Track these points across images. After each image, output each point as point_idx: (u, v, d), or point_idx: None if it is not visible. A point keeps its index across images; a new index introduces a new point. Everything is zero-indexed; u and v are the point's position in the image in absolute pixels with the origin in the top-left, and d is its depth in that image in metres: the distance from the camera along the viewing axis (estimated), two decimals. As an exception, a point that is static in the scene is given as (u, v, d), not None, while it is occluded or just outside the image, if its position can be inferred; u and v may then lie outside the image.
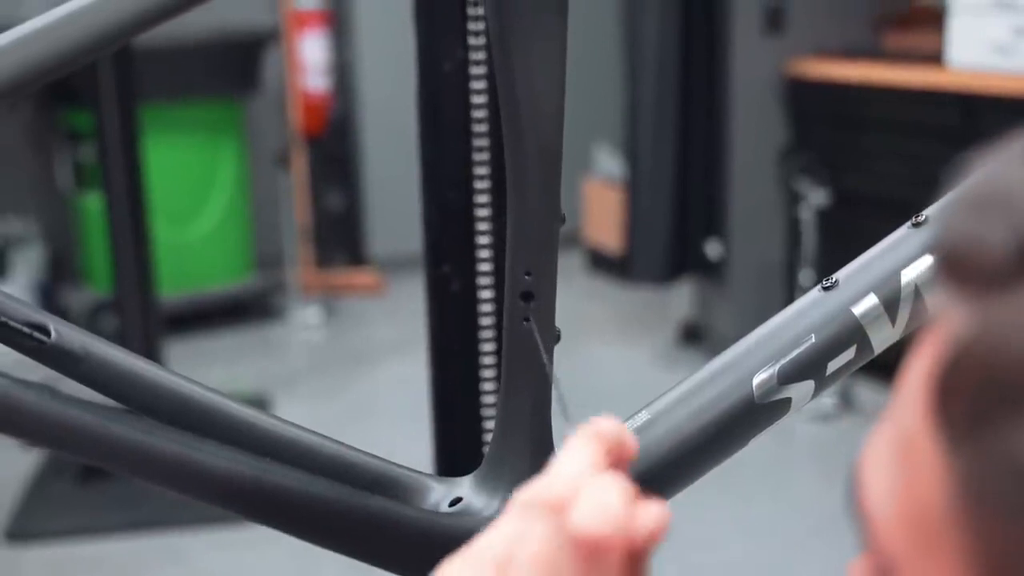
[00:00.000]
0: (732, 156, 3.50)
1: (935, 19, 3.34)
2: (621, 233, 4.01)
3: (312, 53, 4.27)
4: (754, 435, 0.76)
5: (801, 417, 3.11)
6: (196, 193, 4.08)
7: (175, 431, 0.72)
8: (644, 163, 3.61)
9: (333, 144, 4.58)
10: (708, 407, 0.75)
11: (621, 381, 3.60)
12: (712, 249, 3.59)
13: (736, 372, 0.75)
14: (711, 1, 3.45)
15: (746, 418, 0.75)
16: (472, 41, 1.01)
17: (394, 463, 0.79)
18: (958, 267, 0.35)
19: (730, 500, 2.73)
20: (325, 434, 0.78)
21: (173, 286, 3.85)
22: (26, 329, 0.69)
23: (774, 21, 3.45)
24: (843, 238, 3.27)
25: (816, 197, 3.35)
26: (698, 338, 3.78)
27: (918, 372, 0.36)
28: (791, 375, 0.74)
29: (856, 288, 0.75)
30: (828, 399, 3.17)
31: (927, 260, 0.74)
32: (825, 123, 3.51)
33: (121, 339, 2.77)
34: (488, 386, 1.06)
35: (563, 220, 0.75)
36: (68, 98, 3.83)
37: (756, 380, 0.74)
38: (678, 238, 3.63)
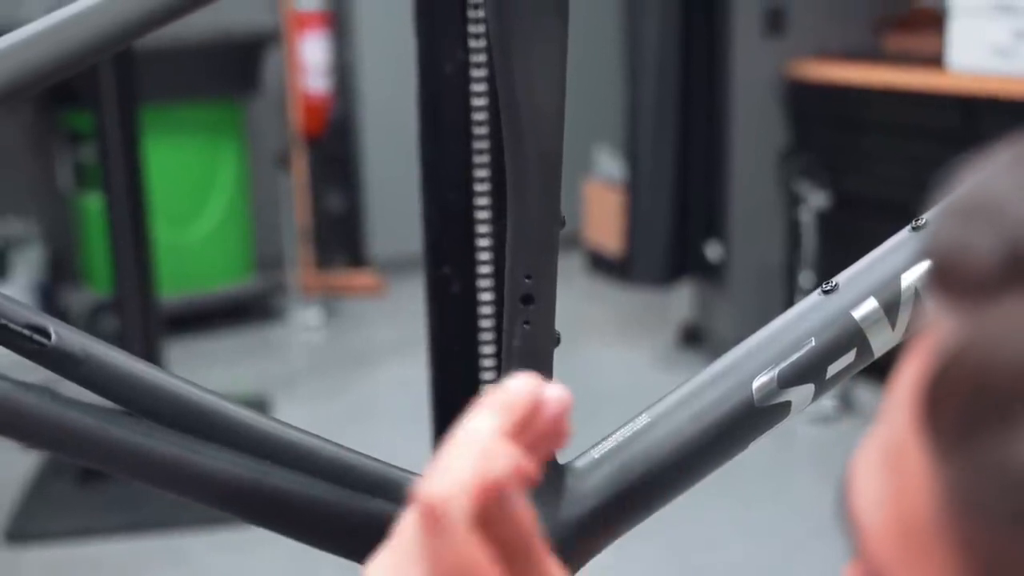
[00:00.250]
0: (732, 158, 3.50)
1: (935, 22, 3.34)
2: (621, 235, 4.01)
3: (312, 54, 4.27)
4: (754, 438, 0.76)
5: (801, 419, 3.11)
6: (196, 194, 4.08)
7: (175, 434, 0.72)
8: (644, 164, 3.61)
9: (333, 145, 4.58)
10: (708, 410, 0.75)
11: (621, 383, 3.60)
12: (712, 251, 3.59)
13: (736, 375, 0.75)
14: (711, 3, 3.45)
15: (746, 421, 0.75)
16: (473, 43, 1.01)
17: (394, 466, 0.79)
18: (946, 276, 0.35)
19: (730, 502, 2.73)
20: (325, 436, 0.78)
21: (173, 287, 3.85)
22: (26, 331, 0.69)
23: (774, 23, 3.46)
24: (843, 240, 3.28)
25: (816, 199, 3.35)
26: (698, 340, 3.78)
27: (908, 380, 0.36)
28: (791, 379, 0.74)
29: (856, 292, 0.75)
30: (828, 401, 3.17)
31: (927, 262, 0.74)
32: (825, 125, 3.51)
33: (121, 340, 2.77)
34: (488, 388, 1.05)
35: (563, 223, 0.75)
36: (69, 99, 3.83)
37: (756, 383, 0.74)
38: (678, 240, 3.63)
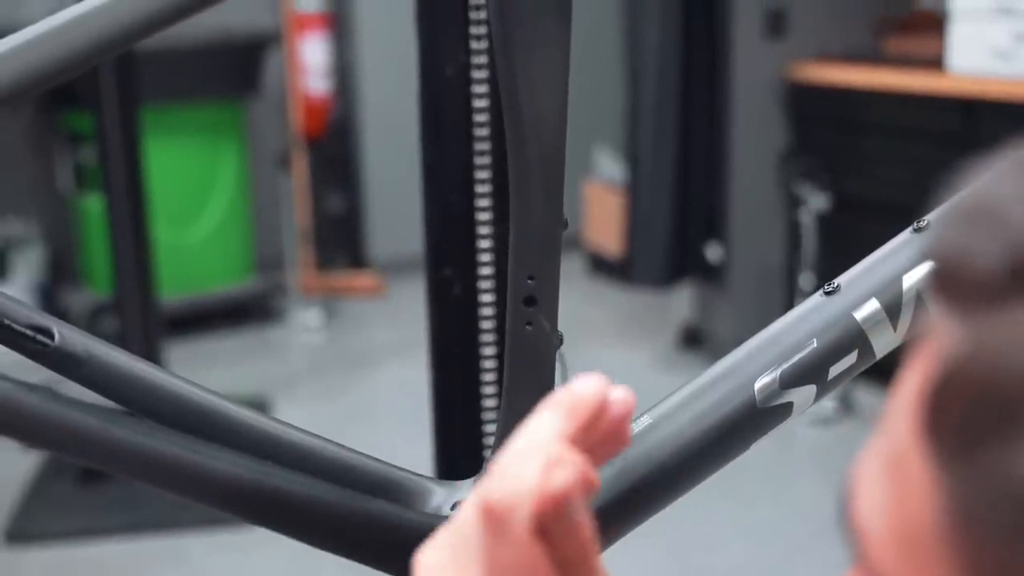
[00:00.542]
0: (733, 159, 3.50)
1: (936, 24, 3.34)
2: (621, 236, 4.01)
3: (313, 55, 4.27)
4: (756, 439, 0.76)
5: (802, 421, 3.11)
6: (196, 195, 4.08)
7: (176, 434, 0.72)
8: (645, 166, 3.61)
9: (334, 146, 4.59)
10: (710, 411, 0.75)
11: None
12: (712, 252, 3.59)
13: (738, 376, 0.75)
14: (712, 4, 3.46)
15: (748, 422, 0.75)
16: (474, 45, 1.01)
17: (395, 466, 0.79)
18: (950, 282, 0.35)
19: (731, 503, 2.73)
20: (326, 437, 0.78)
21: (173, 288, 3.85)
22: (29, 332, 0.69)
23: (775, 25, 3.46)
24: (843, 242, 3.28)
25: (816, 201, 3.35)
26: (698, 341, 3.78)
27: (910, 386, 0.36)
28: (793, 380, 0.74)
29: (858, 293, 0.75)
30: (828, 403, 3.17)
31: (929, 266, 0.74)
32: (826, 127, 3.51)
33: (121, 341, 2.77)
34: (489, 390, 1.06)
35: (566, 225, 0.75)
36: (69, 100, 3.83)
37: (758, 384, 0.74)
38: (678, 241, 3.63)
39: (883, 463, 0.37)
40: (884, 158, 3.32)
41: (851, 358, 0.74)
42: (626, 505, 0.75)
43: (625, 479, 0.74)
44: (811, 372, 0.74)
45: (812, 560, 2.52)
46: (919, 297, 0.74)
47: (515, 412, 0.78)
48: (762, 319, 0.83)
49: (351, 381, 3.72)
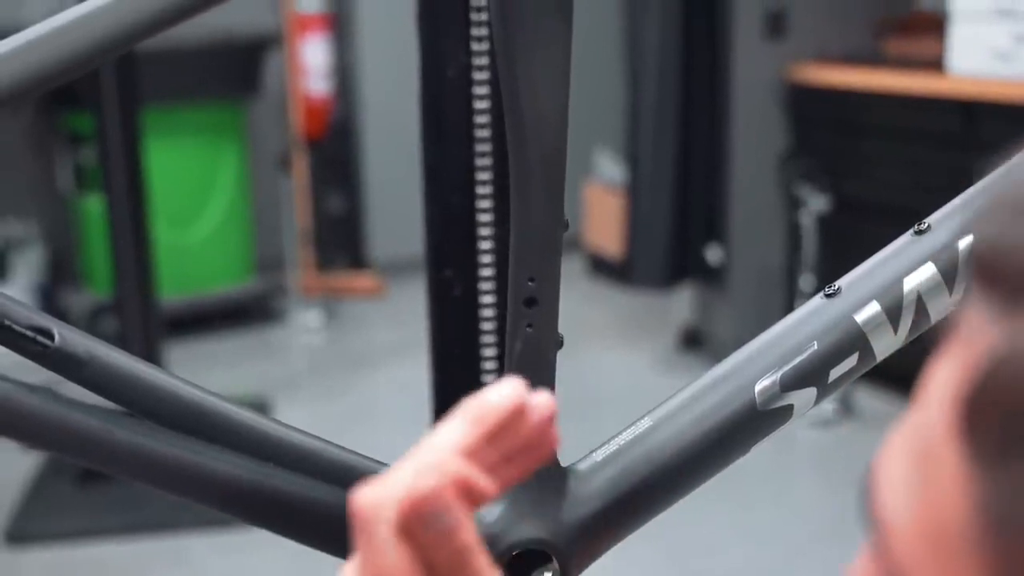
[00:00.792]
0: (733, 161, 3.50)
1: (936, 26, 3.34)
2: (622, 237, 4.01)
3: (313, 56, 4.28)
4: (756, 442, 0.76)
5: (802, 423, 3.11)
6: (197, 196, 4.08)
7: (177, 435, 0.72)
8: (645, 167, 3.61)
9: (334, 147, 4.59)
10: (710, 413, 0.75)
11: (621, 385, 3.60)
12: (712, 254, 3.59)
13: (738, 379, 0.75)
14: (712, 5, 3.46)
15: (748, 424, 0.75)
16: (475, 46, 1.01)
17: (396, 468, 0.79)
18: (993, 274, 0.33)
19: (731, 506, 2.73)
20: (326, 438, 0.78)
21: (174, 289, 3.85)
22: (30, 333, 0.69)
23: (775, 26, 3.46)
24: (843, 244, 3.28)
25: (816, 203, 3.35)
26: (698, 343, 3.78)
27: (944, 380, 0.35)
28: (793, 382, 0.74)
29: (858, 295, 0.75)
30: (828, 405, 3.17)
31: (929, 268, 0.74)
32: (826, 129, 3.51)
33: (121, 341, 2.77)
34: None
35: (567, 226, 0.75)
36: (69, 101, 3.83)
37: (758, 387, 0.74)
38: (678, 243, 3.63)
39: (912, 455, 0.36)
40: (884, 159, 3.32)
41: (852, 360, 0.74)
42: (627, 507, 0.75)
43: (626, 481, 0.74)
44: (812, 374, 0.74)
45: (812, 563, 2.52)
46: (920, 300, 0.74)
47: (515, 414, 0.77)
48: (762, 321, 0.83)
49: (351, 382, 3.72)
